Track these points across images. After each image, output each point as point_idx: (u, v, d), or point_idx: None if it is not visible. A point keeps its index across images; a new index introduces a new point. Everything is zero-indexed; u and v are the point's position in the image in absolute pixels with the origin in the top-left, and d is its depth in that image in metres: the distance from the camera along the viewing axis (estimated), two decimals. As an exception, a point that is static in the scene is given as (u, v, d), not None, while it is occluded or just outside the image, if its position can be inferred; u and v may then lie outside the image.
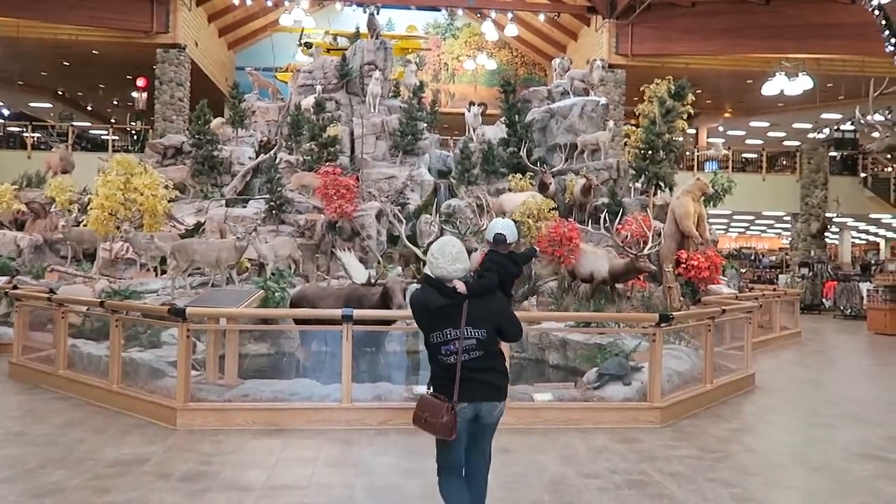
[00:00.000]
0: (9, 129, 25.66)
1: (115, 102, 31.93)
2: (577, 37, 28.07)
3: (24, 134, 24.79)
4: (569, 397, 6.07)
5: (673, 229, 12.48)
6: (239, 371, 6.34)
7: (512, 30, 26.70)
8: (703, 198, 12.84)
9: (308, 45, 21.69)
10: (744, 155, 30.06)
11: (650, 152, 13.73)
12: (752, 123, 32.98)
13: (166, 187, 12.68)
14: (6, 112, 28.40)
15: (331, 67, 17.90)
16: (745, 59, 24.37)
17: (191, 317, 5.41)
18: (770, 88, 21.40)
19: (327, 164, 13.69)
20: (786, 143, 34.38)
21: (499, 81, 27.85)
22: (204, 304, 5.84)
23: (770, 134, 34.36)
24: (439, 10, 32.05)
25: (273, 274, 10.65)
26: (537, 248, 10.86)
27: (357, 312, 5.50)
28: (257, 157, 16.65)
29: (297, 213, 14.52)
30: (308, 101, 16.52)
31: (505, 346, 4.31)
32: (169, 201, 15.15)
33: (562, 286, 11.90)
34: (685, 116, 14.20)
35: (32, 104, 30.55)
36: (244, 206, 14.28)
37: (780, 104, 29.20)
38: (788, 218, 27.97)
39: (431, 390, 3.44)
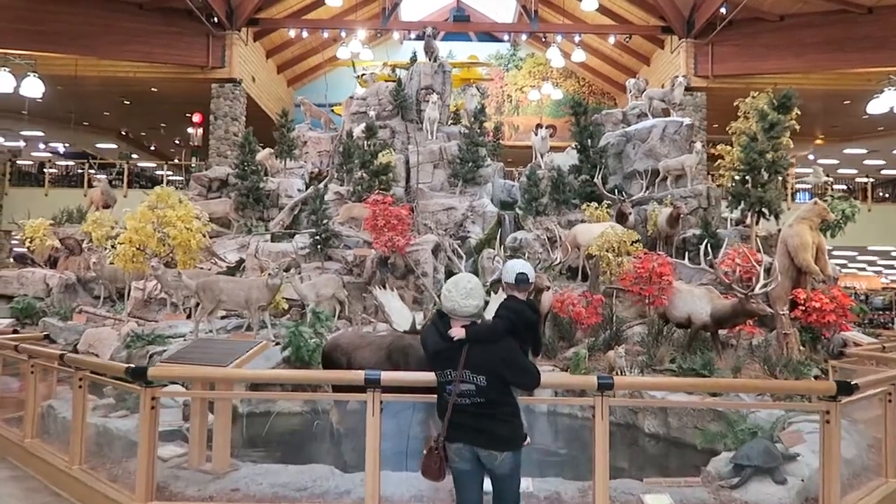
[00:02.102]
0: (68, 166, 25.64)
1: (177, 141, 31.90)
2: (650, 61, 26.24)
3: (83, 171, 24.60)
4: (696, 500, 4.17)
5: (786, 264, 10.31)
6: (260, 434, 4.85)
7: (579, 55, 25.11)
8: (822, 226, 10.67)
9: (365, 78, 20.66)
10: (844, 183, 27.16)
11: (751, 174, 11.68)
12: (847, 151, 30.07)
13: (198, 218, 11.43)
14: (62, 150, 28.62)
15: (385, 93, 16.73)
16: (841, 77, 21.95)
17: (155, 379, 3.90)
18: (878, 106, 18.93)
19: (378, 192, 12.23)
20: (884, 171, 31.26)
21: (566, 111, 26.39)
22: (183, 359, 4.33)
23: (867, 162, 31.29)
24: (501, 41, 30.93)
25: (312, 316, 9.14)
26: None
27: (387, 376, 3.84)
28: (307, 189, 15.43)
29: (346, 249, 13.09)
30: (361, 129, 15.27)
31: None
32: (211, 237, 14.16)
33: (652, 332, 9.91)
34: (790, 133, 12.11)
35: (99, 144, 30.84)
36: (290, 241, 12.94)
37: (880, 128, 26.46)
38: (898, 253, 24.92)
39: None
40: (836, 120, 26.22)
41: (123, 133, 31.26)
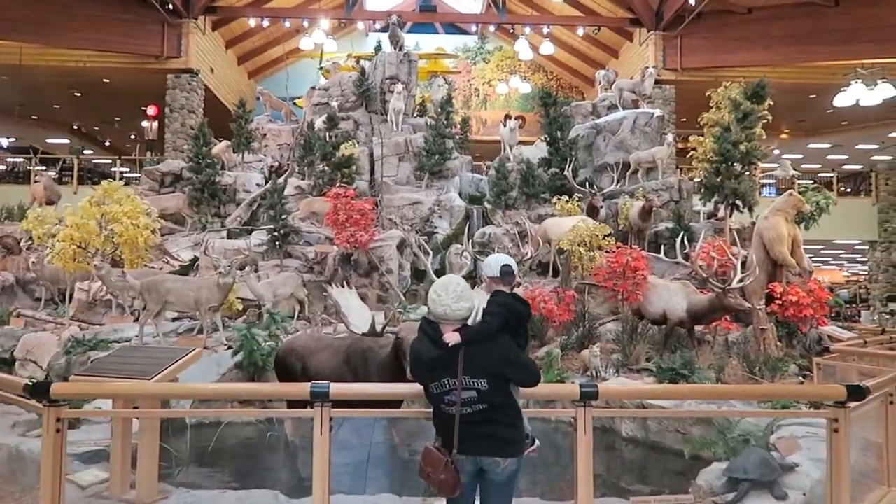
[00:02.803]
0: (14, 162, 24.39)
1: (133, 136, 30.66)
2: (619, 54, 25.97)
3: (31, 168, 23.43)
4: (688, 520, 3.73)
5: (762, 257, 10.03)
6: (208, 448, 4.22)
7: (548, 48, 24.70)
8: (796, 218, 10.42)
9: (327, 68, 19.93)
10: (809, 177, 27.30)
11: (725, 165, 11.37)
12: (811, 145, 30.27)
13: (147, 214, 10.69)
14: (5, 144, 27.28)
15: (349, 84, 16.09)
16: (808, 70, 21.95)
17: (60, 396, 3.30)
18: (844, 99, 18.87)
19: (339, 186, 11.60)
20: (846, 166, 31.58)
21: (534, 105, 25.98)
22: (102, 370, 3.71)
23: (830, 157, 31.54)
24: (469, 34, 30.40)
25: (268, 317, 8.51)
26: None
27: (337, 389, 3.28)
28: (266, 183, 14.72)
29: (307, 245, 12.46)
30: (323, 120, 14.61)
31: None
32: (164, 234, 13.39)
33: (626, 329, 9.51)
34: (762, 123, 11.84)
35: (50, 140, 29.48)
36: (246, 238, 12.24)
37: (844, 122, 26.63)
38: (863, 246, 25.09)
39: (438, 443, 3.22)
40: (802, 114, 26.30)
41: (76, 127, 29.91)
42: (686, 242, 9.96)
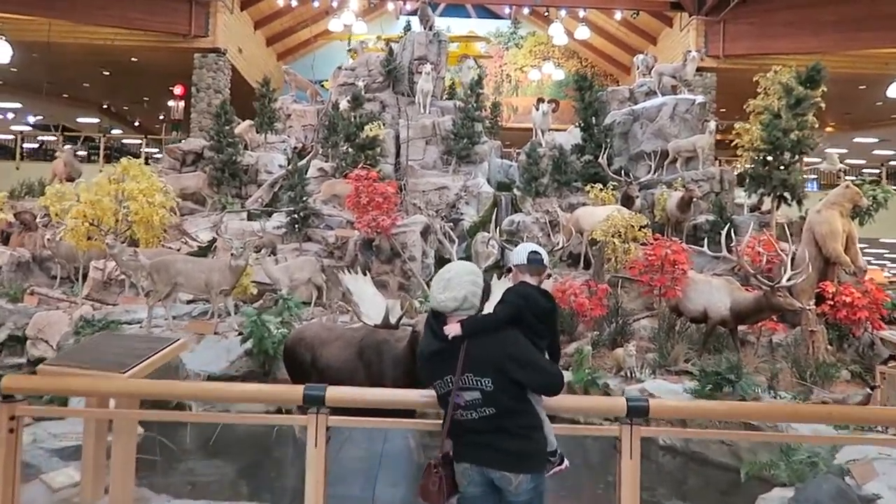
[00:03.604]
0: (44, 139, 24.37)
1: (161, 117, 30.60)
2: (657, 40, 25.03)
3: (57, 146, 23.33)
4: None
5: (813, 253, 9.29)
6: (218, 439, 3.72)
7: (583, 32, 23.89)
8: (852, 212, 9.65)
9: (354, 48, 19.41)
10: (860, 171, 26.09)
11: (774, 155, 10.60)
12: (857, 139, 28.99)
13: (164, 192, 10.31)
14: (31, 120, 27.29)
15: (376, 64, 15.54)
16: (859, 59, 20.84)
17: (13, 391, 2.86)
18: (898, 89, 17.83)
19: (362, 167, 11.09)
20: (893, 161, 30.21)
21: (567, 93, 25.17)
22: (75, 360, 3.24)
23: (876, 152, 30.23)
24: (501, 18, 29.64)
25: (281, 302, 8.06)
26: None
27: (335, 393, 2.76)
28: (289, 164, 14.29)
29: (328, 229, 12.00)
30: (347, 100, 14.11)
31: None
32: (183, 214, 13.06)
33: (663, 327, 8.86)
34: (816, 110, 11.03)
35: (80, 119, 29.52)
36: (264, 220, 11.82)
37: (893, 115, 25.39)
38: (908, 246, 23.89)
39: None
40: (849, 106, 25.11)
41: (105, 107, 29.93)
42: (733, 235, 9.24)
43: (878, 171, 25.77)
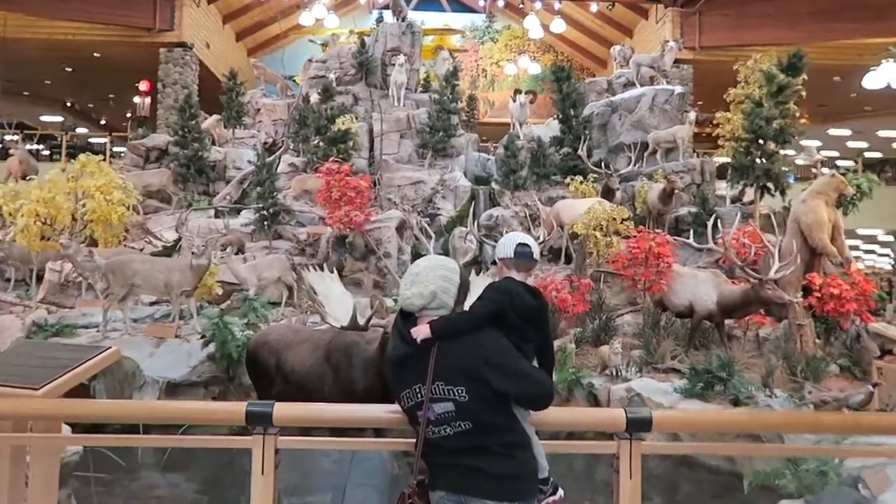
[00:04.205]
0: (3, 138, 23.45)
1: (129, 115, 29.73)
2: (633, 32, 24.83)
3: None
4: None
5: (798, 244, 9.02)
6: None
7: (559, 25, 23.56)
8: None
9: (326, 41, 18.88)
10: (834, 163, 26.17)
11: (756, 144, 10.35)
12: (831, 132, 29.09)
13: (124, 190, 9.77)
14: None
15: (348, 56, 15.06)
16: (834, 50, 20.78)
17: None
18: (874, 80, 17.70)
19: (333, 161, 10.62)
20: (866, 154, 30.43)
21: (543, 87, 24.89)
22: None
23: (850, 144, 30.39)
24: (476, 12, 29.28)
25: (246, 303, 7.59)
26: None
27: (284, 411, 2.33)
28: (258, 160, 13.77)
29: (299, 226, 11.53)
30: (319, 92, 13.62)
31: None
32: (146, 212, 12.49)
33: (648, 322, 8.55)
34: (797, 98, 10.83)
35: (43, 117, 28.54)
36: (226, 217, 11.31)
37: (867, 108, 25.53)
38: (888, 237, 24.00)
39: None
40: (823, 98, 25.09)
41: (69, 104, 28.98)
42: (719, 227, 8.96)
43: (853, 163, 25.91)
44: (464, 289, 2.47)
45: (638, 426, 2.41)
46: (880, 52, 18.01)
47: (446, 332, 2.33)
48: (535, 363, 2.55)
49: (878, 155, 29.98)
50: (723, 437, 3.40)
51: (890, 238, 24.12)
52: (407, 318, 2.46)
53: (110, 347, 2.93)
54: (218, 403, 2.47)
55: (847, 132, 29.06)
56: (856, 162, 25.43)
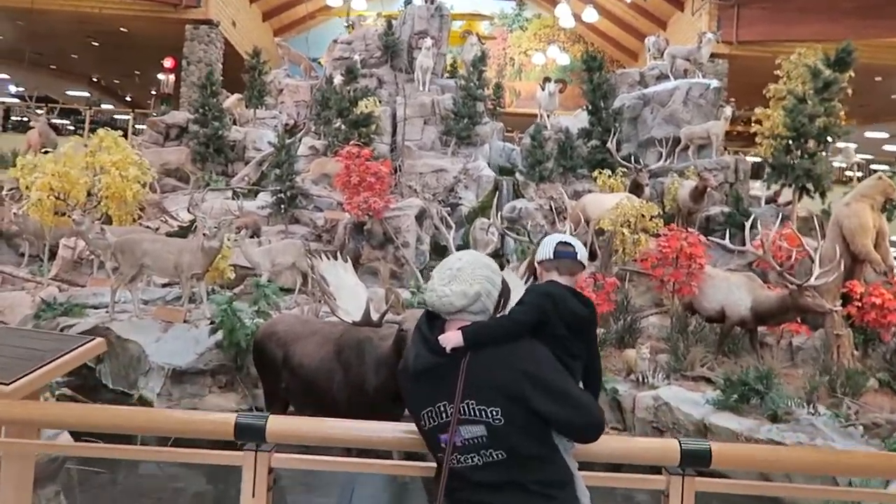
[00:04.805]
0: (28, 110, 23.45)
1: (153, 92, 29.69)
2: (667, 25, 24.16)
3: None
4: None
5: (841, 249, 8.54)
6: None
7: (591, 15, 22.98)
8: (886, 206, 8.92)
9: (352, 22, 18.54)
10: (869, 167, 25.37)
11: (798, 143, 9.85)
12: (868, 134, 28.20)
13: (140, 167, 9.53)
14: (13, 90, 26.38)
15: (374, 38, 14.70)
16: (878, 49, 19.97)
17: None
18: (919, 81, 17.03)
19: (353, 144, 10.29)
20: (902, 158, 29.47)
21: (573, 76, 24.33)
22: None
23: (886, 147, 29.47)
24: (507, -2, 28.71)
25: (257, 289, 7.31)
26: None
27: (278, 426, 2.01)
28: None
29: (317, 211, 11.25)
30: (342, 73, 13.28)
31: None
32: (163, 191, 12.30)
33: (675, 326, 8.14)
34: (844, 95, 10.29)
35: (69, 92, 28.58)
36: (240, 199, 11.07)
37: (908, 109, 24.66)
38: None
39: None
40: (864, 98, 24.21)
41: (95, 80, 29.00)
42: (734, 233, 8.53)
43: (887, 167, 25.04)
44: (505, 295, 2.11)
45: (694, 460, 2.05)
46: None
47: (481, 340, 1.97)
48: (580, 384, 2.20)
49: (915, 160, 29.03)
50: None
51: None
52: (433, 321, 2.10)
53: (94, 339, 2.64)
54: (205, 414, 2.15)
55: (884, 135, 28.16)
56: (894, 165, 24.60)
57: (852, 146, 18.75)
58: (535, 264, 2.35)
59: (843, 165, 19.54)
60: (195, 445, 2.22)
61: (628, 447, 2.18)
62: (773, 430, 5.17)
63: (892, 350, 8.51)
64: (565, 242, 2.31)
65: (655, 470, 2.20)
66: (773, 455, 2.40)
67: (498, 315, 2.06)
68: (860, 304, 8.17)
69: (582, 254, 2.31)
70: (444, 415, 1.96)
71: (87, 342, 2.60)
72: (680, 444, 2.09)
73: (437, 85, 14.13)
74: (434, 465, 2.06)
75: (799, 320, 8.26)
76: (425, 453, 2.14)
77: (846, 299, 8.38)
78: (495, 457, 1.92)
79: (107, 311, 7.92)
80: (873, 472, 2.36)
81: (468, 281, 2.01)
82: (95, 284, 9.25)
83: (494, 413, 1.90)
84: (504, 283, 2.11)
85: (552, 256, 2.28)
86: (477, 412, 1.92)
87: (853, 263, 8.81)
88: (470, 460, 1.93)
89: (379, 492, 4.87)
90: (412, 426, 2.10)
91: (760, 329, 8.31)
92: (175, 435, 2.17)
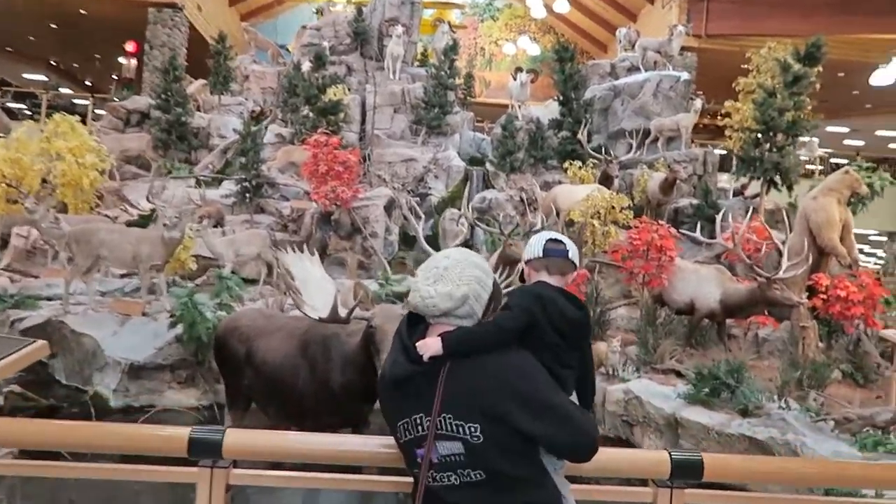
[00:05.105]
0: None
1: (115, 77, 28.82)
2: (637, 17, 24.23)
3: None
4: None
5: (805, 243, 8.61)
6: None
7: (562, 5, 22.87)
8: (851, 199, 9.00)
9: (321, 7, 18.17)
10: (833, 161, 25.86)
11: (767, 136, 9.91)
12: (830, 129, 28.72)
13: (98, 153, 9.18)
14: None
15: (343, 24, 14.40)
16: (843, 45, 20.25)
17: None
18: (881, 78, 17.39)
19: (321, 132, 10.06)
20: (862, 153, 30.18)
21: (543, 66, 24.29)
22: None
23: (846, 142, 30.10)
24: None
25: (219, 281, 7.07)
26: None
27: (235, 440, 1.85)
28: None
29: (283, 200, 10.99)
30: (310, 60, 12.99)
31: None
32: (123, 178, 11.90)
33: (645, 318, 8.12)
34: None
35: (26, 75, 27.58)
36: (201, 188, 10.76)
37: (867, 105, 25.18)
38: (880, 237, 23.73)
39: None
40: (826, 93, 24.70)
41: (53, 63, 28.03)
42: (703, 225, 8.55)
43: (844, 161, 25.57)
44: (496, 298, 1.94)
45: (685, 473, 1.93)
46: (889, 49, 17.64)
47: (463, 348, 1.81)
48: (573, 397, 2.05)
49: (874, 154, 29.73)
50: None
51: (883, 239, 23.86)
52: (416, 325, 1.93)
53: (35, 341, 2.43)
54: (155, 429, 1.96)
55: (844, 129, 28.73)
56: (855, 160, 25.16)
57: (815, 140, 19.05)
58: (523, 264, 2.19)
59: (806, 159, 19.82)
60: (148, 459, 2.04)
61: (615, 459, 2.05)
62: (744, 424, 5.16)
63: (855, 341, 8.63)
64: (555, 240, 2.15)
65: (643, 481, 2.09)
66: (765, 466, 2.29)
67: (484, 320, 1.90)
68: (826, 297, 8.26)
69: (573, 252, 2.15)
70: (419, 428, 1.81)
71: (27, 345, 2.40)
72: (671, 455, 1.97)
73: (407, 73, 13.92)
74: (410, 480, 1.91)
75: (766, 312, 8.33)
76: (399, 468, 1.99)
77: (811, 291, 8.47)
78: (473, 477, 1.77)
79: (61, 304, 7.60)
80: (872, 484, 2.27)
81: (455, 282, 1.84)
82: (49, 275, 8.88)
83: (472, 430, 1.75)
84: (496, 284, 1.94)
85: (541, 255, 2.12)
86: (454, 427, 1.77)
87: (819, 256, 8.88)
88: (447, 479, 1.79)
89: (346, 492, 4.73)
90: (383, 440, 1.95)
91: (727, 321, 8.36)
92: (122, 452, 1.97)
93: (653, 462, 2.01)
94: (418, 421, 1.81)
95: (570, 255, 2.13)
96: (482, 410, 1.74)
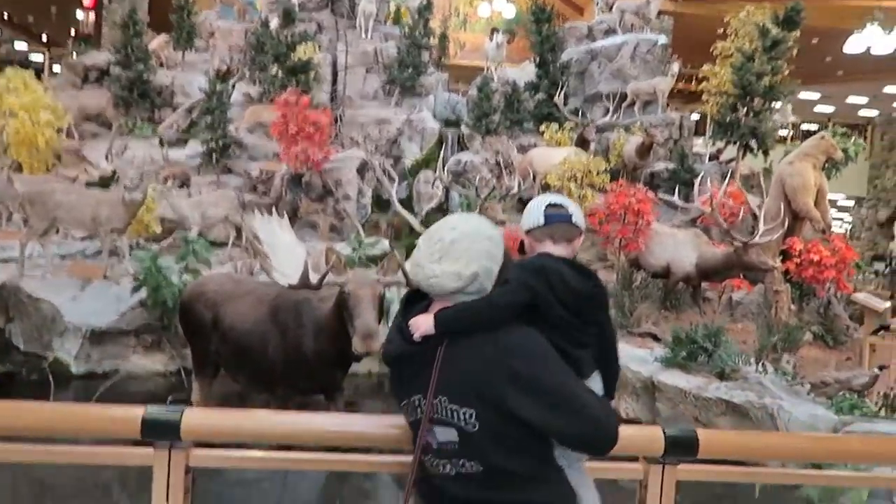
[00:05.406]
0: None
1: (74, 33, 27.62)
2: (614, -21, 23.82)
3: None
4: None
5: (781, 207, 8.62)
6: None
7: (538, -35, 22.41)
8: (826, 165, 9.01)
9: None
10: (804, 127, 26.06)
11: (744, 101, 9.82)
12: (801, 95, 28.87)
13: (53, 111, 8.73)
14: None
15: (313, -21, 13.83)
16: (818, 10, 20.24)
17: None
18: (857, 44, 17.32)
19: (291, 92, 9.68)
20: (833, 120, 30.49)
21: (519, 29, 23.87)
22: None
23: (818, 109, 30.31)
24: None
25: (185, 244, 6.80)
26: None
27: (195, 419, 1.67)
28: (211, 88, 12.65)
29: (251, 161, 10.64)
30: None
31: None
32: (82, 137, 11.40)
33: (623, 282, 8.07)
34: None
35: (-23, 30, 26.28)
36: (165, 147, 10.36)
37: (839, 72, 25.28)
38: (848, 202, 24.13)
39: None
40: (800, 60, 24.80)
41: (5, 16, 26.70)
42: (703, 185, 8.48)
43: (814, 128, 25.77)
44: (506, 270, 1.74)
45: (678, 450, 1.80)
46: (864, 16, 17.59)
47: (455, 325, 1.62)
48: (595, 380, 1.82)
49: (844, 121, 30.05)
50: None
51: (850, 203, 24.28)
52: (414, 302, 1.76)
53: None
54: (105, 408, 1.76)
55: (816, 96, 28.90)
56: (826, 126, 25.41)
57: (788, 106, 19.09)
58: (523, 234, 1.95)
59: (779, 125, 19.91)
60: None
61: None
62: (721, 388, 5.14)
63: (825, 304, 8.73)
64: (556, 204, 1.91)
65: (631, 455, 1.96)
66: (762, 440, 2.19)
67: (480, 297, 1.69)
68: (799, 261, 8.30)
69: (577, 214, 1.92)
70: (418, 410, 1.65)
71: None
72: (664, 432, 1.83)
73: (380, 32, 13.51)
74: (385, 459, 1.75)
75: (741, 276, 8.36)
76: (370, 447, 1.83)
77: (785, 255, 8.51)
78: (468, 468, 1.60)
79: (17, 267, 7.27)
80: (871, 459, 2.19)
81: (464, 259, 1.63)
82: (4, 238, 8.47)
83: (467, 415, 1.57)
84: (506, 254, 1.73)
85: (543, 222, 1.88)
86: (448, 412, 1.60)
87: (793, 221, 8.93)
88: (443, 467, 1.63)
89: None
90: (356, 417, 1.79)
91: (702, 284, 8.37)
92: (66, 436, 1.78)
93: (646, 439, 1.87)
94: (416, 402, 1.65)
95: (574, 218, 1.91)
96: (477, 393, 1.57)
